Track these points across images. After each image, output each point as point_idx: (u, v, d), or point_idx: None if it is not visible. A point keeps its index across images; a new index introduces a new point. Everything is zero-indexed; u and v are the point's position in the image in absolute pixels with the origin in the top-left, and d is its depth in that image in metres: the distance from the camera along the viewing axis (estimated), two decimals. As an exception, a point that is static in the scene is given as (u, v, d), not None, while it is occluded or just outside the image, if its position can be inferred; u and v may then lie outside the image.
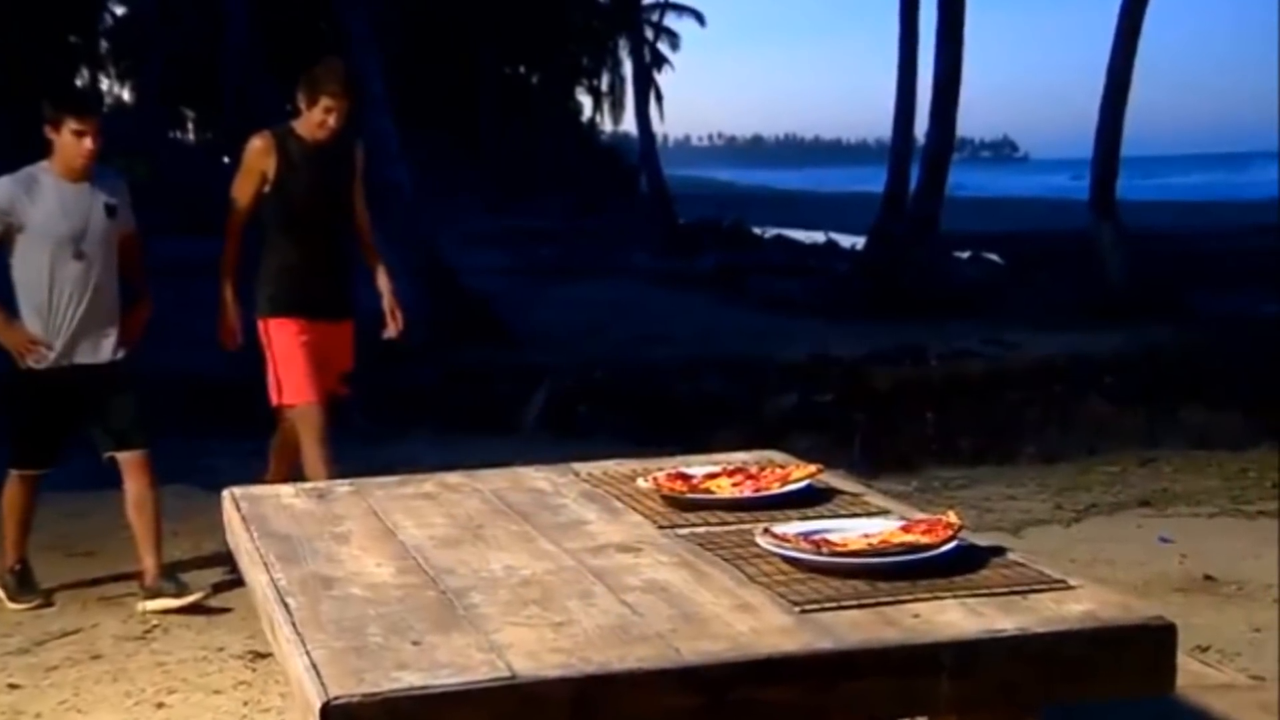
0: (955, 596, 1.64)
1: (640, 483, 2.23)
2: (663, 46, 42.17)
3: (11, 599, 4.02)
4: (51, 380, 3.90)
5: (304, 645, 1.52)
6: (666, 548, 1.90)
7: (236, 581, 3.65)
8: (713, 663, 1.47)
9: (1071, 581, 1.69)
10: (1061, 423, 7.83)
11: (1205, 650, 3.21)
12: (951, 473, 6.04)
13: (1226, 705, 2.11)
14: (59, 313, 3.87)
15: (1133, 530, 4.72)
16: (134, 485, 3.95)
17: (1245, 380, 8.36)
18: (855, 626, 1.56)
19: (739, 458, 2.42)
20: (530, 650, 1.50)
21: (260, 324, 4.15)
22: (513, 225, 24.80)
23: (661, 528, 2.01)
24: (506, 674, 1.43)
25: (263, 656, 3.40)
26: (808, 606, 1.62)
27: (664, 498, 2.14)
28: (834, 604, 1.62)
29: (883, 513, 2.05)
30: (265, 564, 1.88)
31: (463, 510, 2.16)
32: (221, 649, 3.56)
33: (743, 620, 1.59)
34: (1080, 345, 10.29)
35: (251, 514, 2.17)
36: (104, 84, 32.65)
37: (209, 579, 4.05)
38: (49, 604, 4.01)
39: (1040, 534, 4.66)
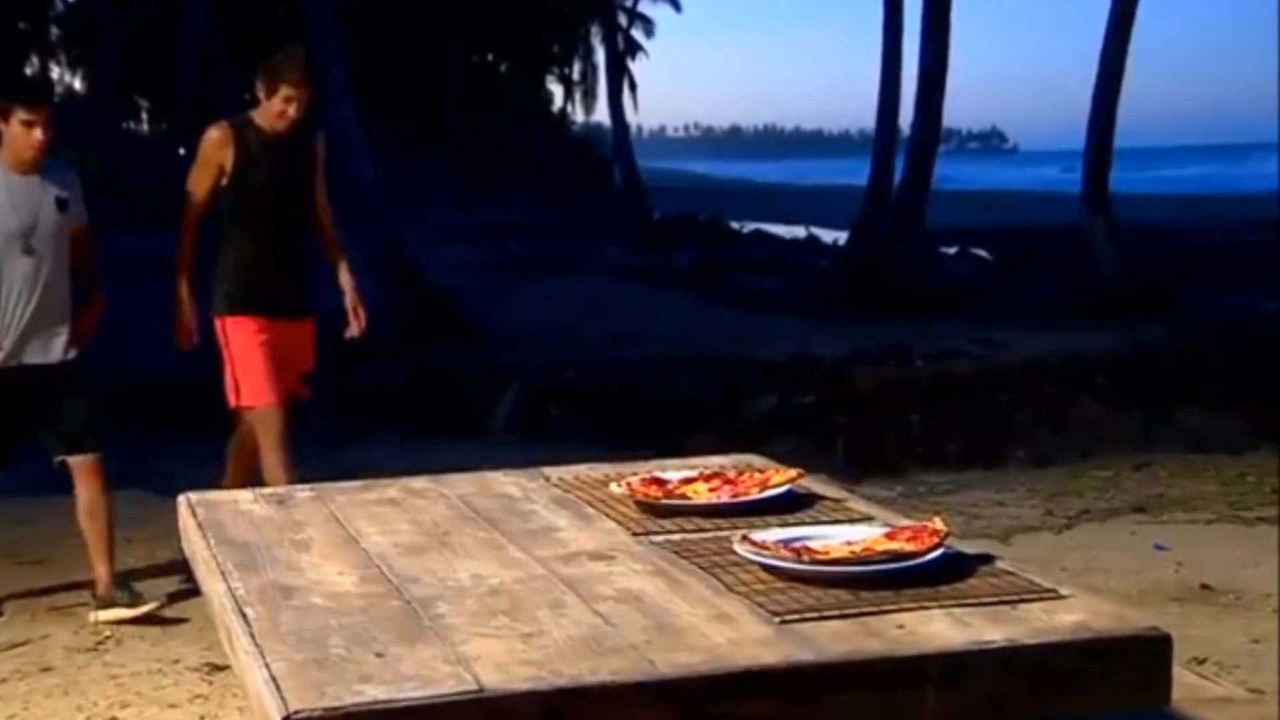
0: (941, 606, 1.63)
1: (613, 488, 2.23)
2: (636, 33, 41.65)
3: (-41, 609, 3.92)
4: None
5: (263, 657, 1.51)
6: (641, 556, 1.88)
7: (193, 591, 3.61)
8: (689, 675, 1.45)
9: (1063, 591, 1.68)
10: (1052, 425, 7.76)
11: (1202, 662, 3.17)
12: (937, 477, 5.97)
13: (1224, 719, 2.09)
14: (8, 311, 3.78)
15: (1126, 537, 4.65)
16: (86, 490, 3.87)
17: (1244, 381, 8.25)
18: (837, 638, 1.54)
19: (716, 462, 2.41)
20: (499, 662, 1.48)
21: (217, 322, 4.08)
22: (480, 219, 24.73)
23: (635, 535, 1.99)
24: (474, 687, 1.41)
25: (220, 669, 3.34)
26: (788, 617, 1.60)
27: (638, 503, 2.13)
28: (815, 614, 1.60)
29: (866, 519, 2.04)
30: (222, 572, 1.86)
31: (428, 516, 2.15)
32: (177, 661, 3.49)
33: (720, 631, 1.57)
34: (1072, 344, 10.14)
35: (208, 520, 2.16)
36: (55, 72, 32.11)
37: (164, 588, 3.98)
38: (-3, 613, 3.92)
39: (1030, 541, 4.60)
